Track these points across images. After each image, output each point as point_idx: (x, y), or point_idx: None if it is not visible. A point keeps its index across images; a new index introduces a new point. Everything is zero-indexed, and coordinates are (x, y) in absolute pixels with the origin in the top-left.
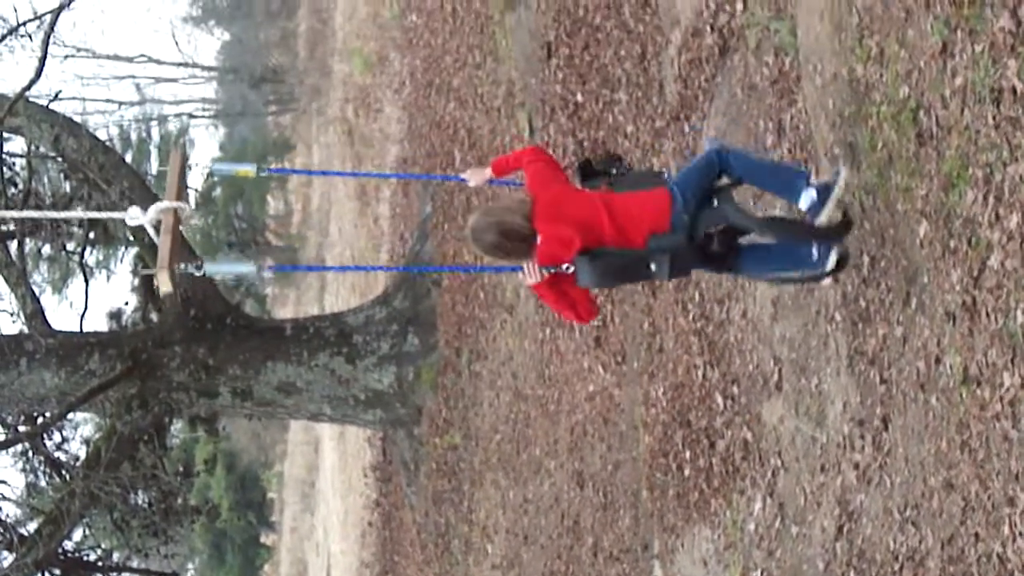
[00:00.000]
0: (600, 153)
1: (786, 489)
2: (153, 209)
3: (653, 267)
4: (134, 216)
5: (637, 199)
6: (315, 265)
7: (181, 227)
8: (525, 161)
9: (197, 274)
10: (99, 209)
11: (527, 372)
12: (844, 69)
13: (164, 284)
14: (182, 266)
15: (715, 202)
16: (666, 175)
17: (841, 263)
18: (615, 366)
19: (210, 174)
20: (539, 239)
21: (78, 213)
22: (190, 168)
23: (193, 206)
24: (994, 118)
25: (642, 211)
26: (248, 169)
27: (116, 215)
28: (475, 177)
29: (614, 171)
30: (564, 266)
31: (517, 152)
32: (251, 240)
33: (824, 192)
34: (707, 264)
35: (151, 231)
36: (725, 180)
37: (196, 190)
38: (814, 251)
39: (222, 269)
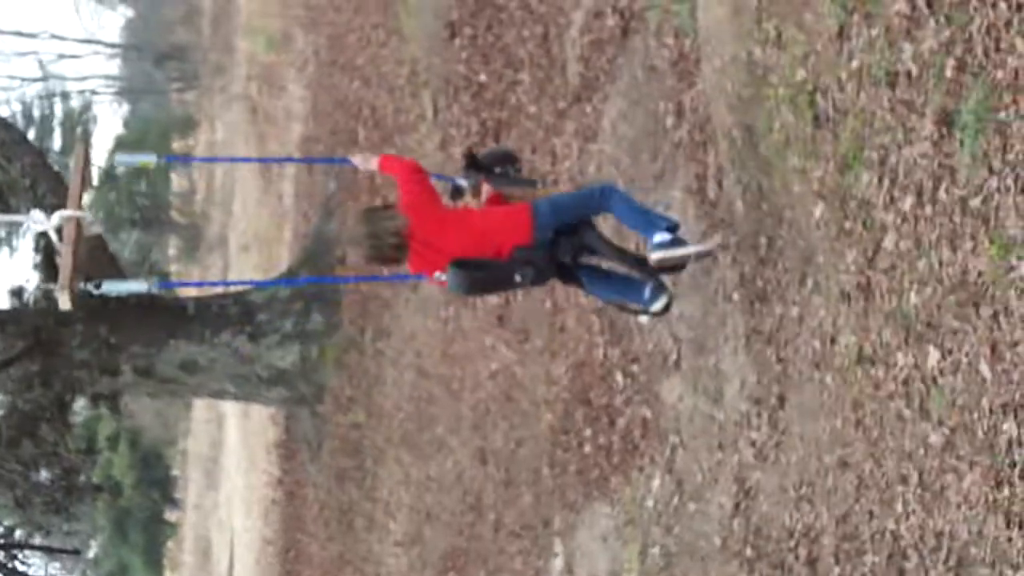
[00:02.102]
0: (493, 149)
1: (684, 466)
2: (57, 216)
3: (518, 277)
4: (37, 220)
5: (500, 214)
6: (208, 281)
7: (85, 235)
8: (404, 177)
9: (95, 292)
10: None
11: (431, 350)
12: (743, 52)
13: (64, 303)
14: (82, 285)
15: (579, 231)
16: (539, 184)
17: (667, 308)
18: (517, 344)
19: (112, 167)
20: (412, 253)
21: None
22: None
23: (90, 212)
24: (889, 101)
25: (504, 225)
26: (148, 160)
27: (18, 218)
28: (363, 163)
29: (497, 171)
30: (436, 274)
31: (402, 161)
32: (154, 218)
33: (676, 241)
34: (560, 277)
35: (54, 236)
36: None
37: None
38: (647, 292)
39: (118, 288)
